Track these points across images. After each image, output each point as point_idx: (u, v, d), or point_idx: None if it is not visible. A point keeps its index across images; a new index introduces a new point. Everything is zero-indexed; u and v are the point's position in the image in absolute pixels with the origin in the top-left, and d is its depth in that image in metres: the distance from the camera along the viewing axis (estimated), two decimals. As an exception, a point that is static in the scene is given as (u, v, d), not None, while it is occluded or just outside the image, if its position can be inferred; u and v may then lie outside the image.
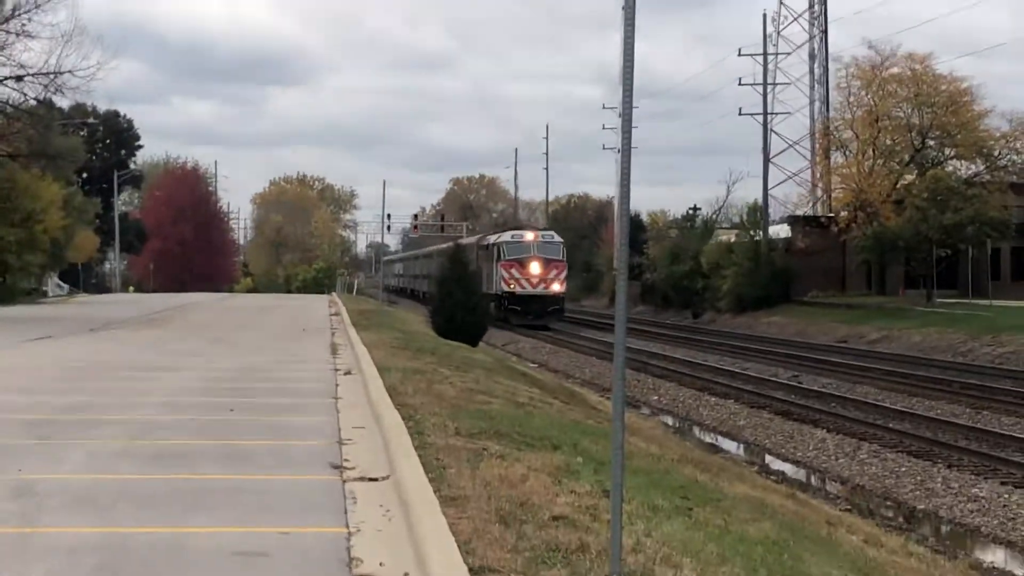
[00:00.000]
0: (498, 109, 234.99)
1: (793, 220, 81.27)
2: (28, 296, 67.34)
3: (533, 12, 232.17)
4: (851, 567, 12.12)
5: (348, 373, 22.31)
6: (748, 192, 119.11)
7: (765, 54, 79.23)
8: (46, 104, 53.52)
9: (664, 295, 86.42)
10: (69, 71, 47.17)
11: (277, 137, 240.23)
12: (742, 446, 29.59)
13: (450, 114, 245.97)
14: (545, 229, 77.31)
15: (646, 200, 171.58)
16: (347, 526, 9.89)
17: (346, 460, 12.86)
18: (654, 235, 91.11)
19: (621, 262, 11.15)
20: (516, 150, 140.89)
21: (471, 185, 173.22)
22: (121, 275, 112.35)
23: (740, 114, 79.84)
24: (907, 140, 69.58)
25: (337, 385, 20.41)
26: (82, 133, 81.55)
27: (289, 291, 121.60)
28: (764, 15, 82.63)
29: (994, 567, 18.12)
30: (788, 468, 26.26)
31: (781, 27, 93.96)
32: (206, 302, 65.12)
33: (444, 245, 78.65)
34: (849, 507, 21.53)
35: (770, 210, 79.51)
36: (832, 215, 74.38)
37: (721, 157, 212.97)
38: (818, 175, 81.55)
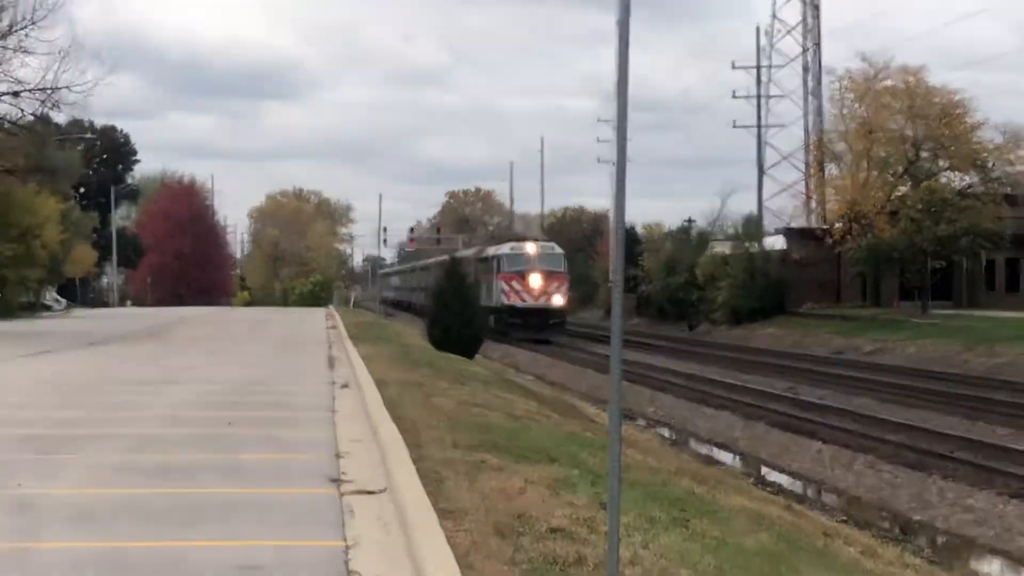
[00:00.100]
0: (493, 123, 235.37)
1: (788, 232, 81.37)
2: (26, 311, 67.35)
3: (527, 26, 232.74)
4: (846, 578, 12.18)
5: (345, 386, 22.37)
6: (743, 204, 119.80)
7: (759, 67, 79.58)
8: (43, 119, 53.62)
9: (660, 307, 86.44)
10: (66, 87, 47.28)
11: (274, 151, 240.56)
12: (738, 458, 29.63)
13: (446, 128, 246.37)
14: (546, 241, 76.11)
15: (641, 212, 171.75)
16: (345, 540, 9.95)
17: (344, 473, 12.92)
18: (649, 247, 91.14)
19: (617, 275, 11.20)
20: (511, 163, 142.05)
21: (467, 198, 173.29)
22: (119, 289, 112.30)
23: (734, 126, 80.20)
24: (901, 152, 69.65)
25: (334, 398, 20.47)
26: (79, 148, 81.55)
27: (286, 304, 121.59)
28: (758, 28, 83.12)
29: (989, 577, 18.18)
30: (784, 480, 26.30)
31: (775, 40, 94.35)
32: (203, 316, 65.16)
33: (441, 258, 78.56)
34: (845, 518, 21.57)
35: (765, 222, 79.75)
36: (827, 227, 74.46)
37: (716, 169, 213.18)
38: (812, 187, 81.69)
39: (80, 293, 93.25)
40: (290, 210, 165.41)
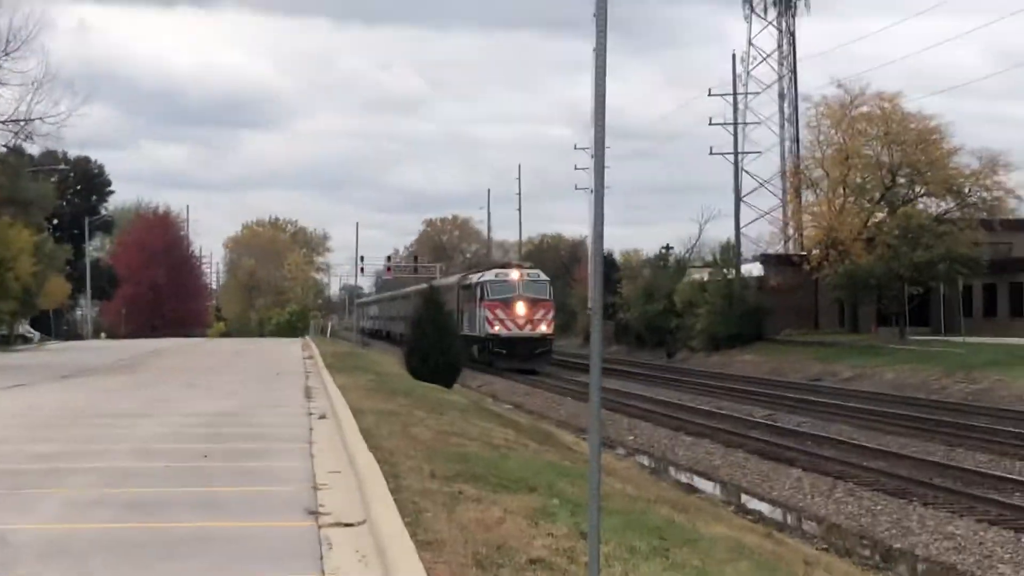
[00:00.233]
0: (470, 150, 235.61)
1: (765, 258, 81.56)
2: (1, 343, 66.94)
3: (503, 55, 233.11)
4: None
5: (323, 417, 22.21)
6: (720, 231, 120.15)
7: (735, 94, 79.75)
8: (16, 151, 53.40)
9: (638, 334, 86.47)
10: (39, 118, 47.04)
11: (249, 180, 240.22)
12: (718, 486, 29.52)
13: (422, 155, 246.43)
14: (531, 267, 73.87)
15: (619, 239, 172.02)
16: (323, 572, 9.82)
17: (321, 505, 12.78)
18: (627, 274, 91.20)
19: (596, 303, 11.12)
20: (489, 191, 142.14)
21: (444, 226, 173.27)
22: (92, 321, 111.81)
23: (711, 153, 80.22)
24: (877, 178, 69.95)
25: (311, 429, 20.31)
26: (53, 179, 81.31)
27: (262, 335, 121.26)
28: (734, 55, 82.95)
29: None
30: (764, 507, 26.20)
31: (751, 67, 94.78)
32: (178, 347, 64.86)
33: (419, 286, 78.05)
34: (826, 546, 21.47)
35: (742, 248, 79.82)
36: (804, 253, 74.67)
37: (693, 196, 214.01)
38: (789, 213, 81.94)
39: (53, 325, 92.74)
40: (266, 239, 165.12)
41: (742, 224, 79.77)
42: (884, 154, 69.64)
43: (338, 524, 11.73)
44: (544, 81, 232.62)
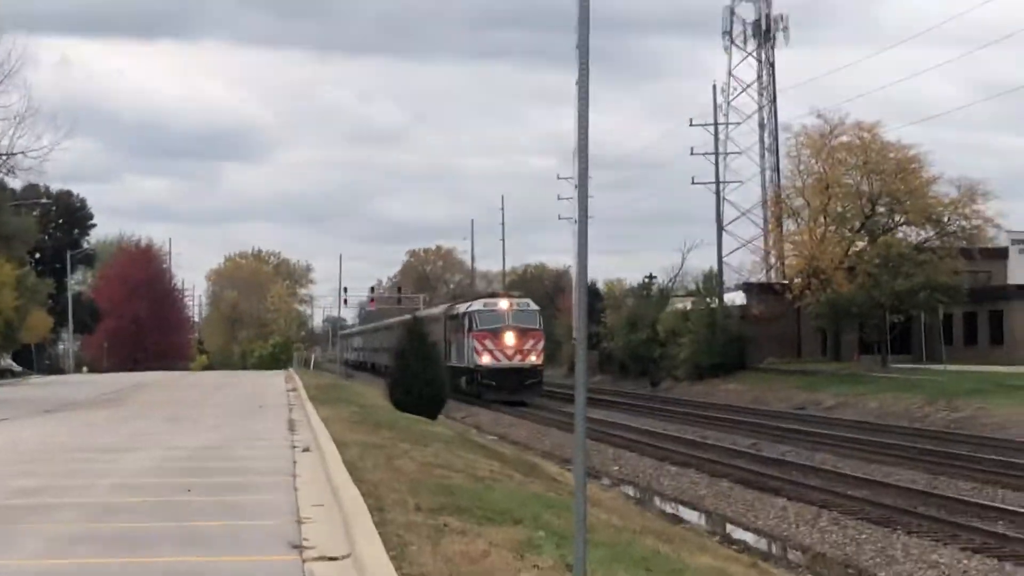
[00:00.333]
0: (453, 181, 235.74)
1: (748, 287, 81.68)
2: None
3: (485, 86, 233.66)
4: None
5: (306, 450, 22.16)
6: (703, 260, 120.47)
7: (716, 124, 79.98)
8: (-2, 185, 53.30)
9: (622, 364, 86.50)
10: (21, 152, 47.02)
11: (232, 212, 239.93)
12: (703, 515, 29.52)
13: (405, 187, 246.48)
14: (520, 296, 72.25)
15: (602, 269, 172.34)
16: (308, 607, 9.79)
17: (305, 539, 12.75)
18: (611, 304, 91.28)
19: (580, 333, 11.14)
20: (472, 221, 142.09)
21: (427, 257, 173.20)
22: (75, 355, 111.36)
23: (693, 183, 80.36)
24: (857, 207, 70.19)
25: (295, 462, 20.26)
26: (35, 213, 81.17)
27: (245, 367, 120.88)
28: (714, 86, 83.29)
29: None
30: (750, 537, 26.19)
31: (731, 98, 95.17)
32: (161, 381, 64.64)
33: (403, 317, 77.78)
34: None
35: (725, 277, 79.98)
36: (786, 282, 74.78)
37: (676, 225, 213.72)
38: (771, 242, 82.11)
39: (35, 359, 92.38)
40: (249, 272, 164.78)
41: (724, 253, 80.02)
42: (864, 183, 69.90)
43: (322, 558, 11.70)
44: (527, 112, 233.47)
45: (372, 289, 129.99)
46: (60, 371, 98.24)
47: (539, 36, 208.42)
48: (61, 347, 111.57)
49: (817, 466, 33.68)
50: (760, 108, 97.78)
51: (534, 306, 67.29)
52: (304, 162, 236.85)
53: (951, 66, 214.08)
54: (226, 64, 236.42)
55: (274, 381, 62.07)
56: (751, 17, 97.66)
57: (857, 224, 70.36)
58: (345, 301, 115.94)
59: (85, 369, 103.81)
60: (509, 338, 63.79)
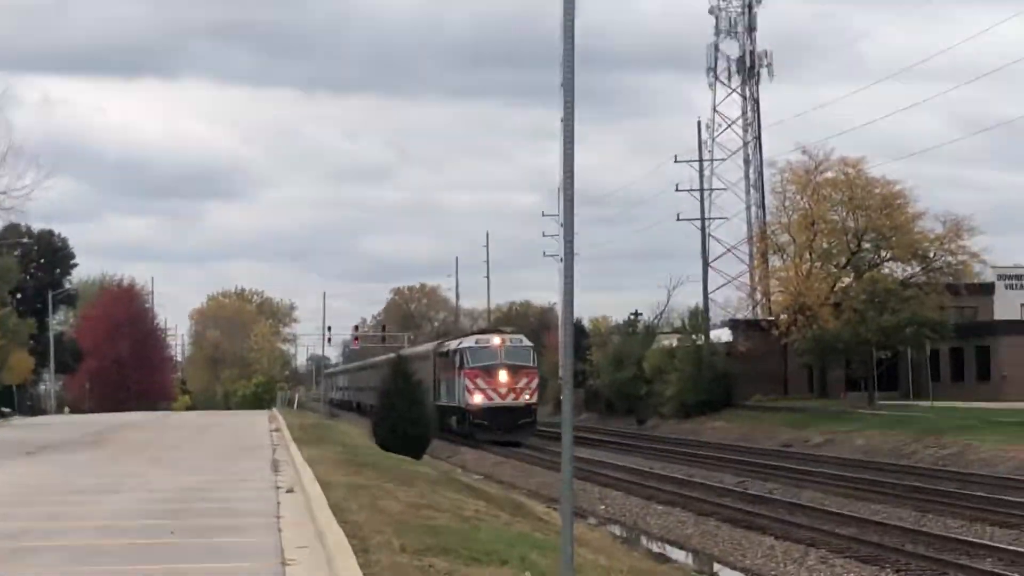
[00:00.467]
0: (437, 218, 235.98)
1: (734, 324, 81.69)
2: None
3: (469, 123, 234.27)
4: None
5: (290, 491, 21.95)
6: (689, 296, 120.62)
7: (701, 160, 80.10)
8: (-21, 226, 53.13)
9: (608, 401, 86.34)
10: (3, 192, 46.91)
11: (215, 251, 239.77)
12: (690, 555, 29.35)
13: (390, 224, 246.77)
14: (513, 332, 70.12)
15: (588, 306, 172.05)
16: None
17: (290, 582, 12.57)
18: (596, 341, 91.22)
19: (567, 371, 11.04)
20: (457, 259, 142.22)
21: (412, 295, 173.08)
22: (56, 396, 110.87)
23: (678, 219, 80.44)
24: (843, 243, 70.34)
25: (279, 503, 20.07)
26: (16, 253, 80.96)
27: (228, 407, 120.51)
28: (699, 123, 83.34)
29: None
30: (737, 576, 26.04)
31: (716, 134, 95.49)
32: (143, 421, 64.27)
33: (388, 356, 77.30)
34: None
35: (711, 314, 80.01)
36: (772, 318, 74.83)
37: (661, 262, 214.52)
38: (757, 279, 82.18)
39: (17, 400, 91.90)
40: (232, 311, 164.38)
41: (710, 290, 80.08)
42: (849, 219, 70.09)
43: (307, 601, 11.52)
44: (512, 149, 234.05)
45: (356, 327, 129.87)
46: (42, 412, 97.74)
47: (524, 73, 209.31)
48: (43, 388, 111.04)
49: (804, 504, 33.54)
50: (745, 144, 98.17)
51: (528, 342, 65.69)
52: (288, 200, 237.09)
53: (935, 102, 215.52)
54: (210, 102, 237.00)
55: (257, 421, 61.74)
56: (735, 54, 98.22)
57: (843, 260, 70.50)
58: (329, 340, 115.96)
59: (67, 410, 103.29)
60: (502, 376, 61.83)
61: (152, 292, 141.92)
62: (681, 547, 30.31)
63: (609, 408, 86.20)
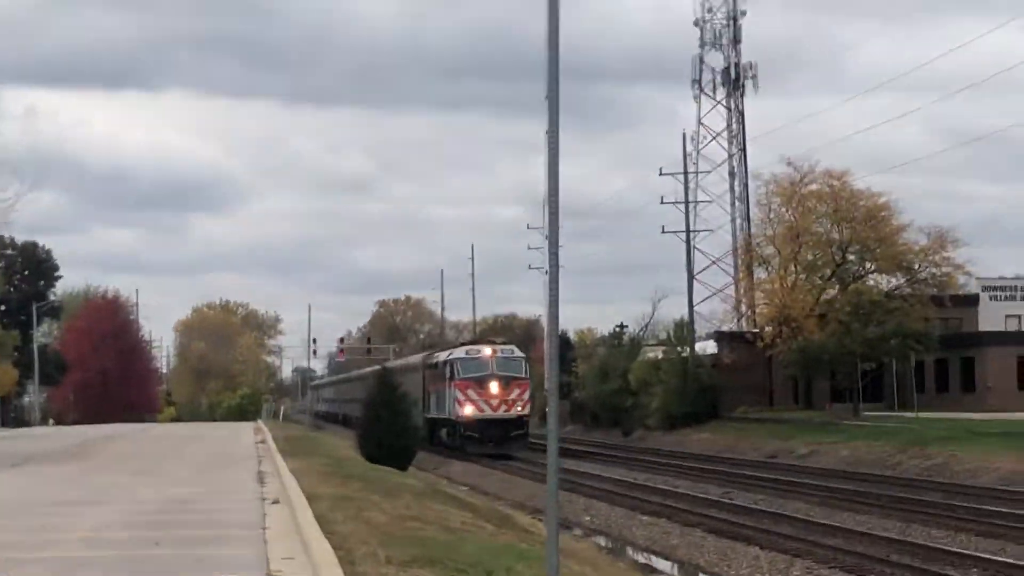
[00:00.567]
0: (422, 231, 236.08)
1: (719, 336, 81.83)
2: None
3: (453, 135, 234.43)
4: None
5: (276, 502, 21.93)
6: (674, 309, 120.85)
7: (686, 173, 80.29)
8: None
9: (594, 413, 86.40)
10: (-14, 204, 46.77)
11: (200, 263, 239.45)
12: (676, 565, 29.36)
13: (375, 237, 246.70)
14: (504, 342, 68.95)
15: (573, 318, 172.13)
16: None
17: (275, 593, 12.57)
18: (582, 353, 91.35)
19: (552, 382, 11.07)
20: (442, 271, 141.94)
21: (397, 307, 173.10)
22: (41, 408, 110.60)
23: (663, 232, 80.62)
24: (828, 255, 70.51)
25: (265, 515, 20.04)
26: (0, 265, 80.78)
27: (213, 419, 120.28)
28: (684, 135, 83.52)
29: None
30: (723, 587, 26.04)
31: (701, 146, 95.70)
32: (128, 433, 64.13)
33: (374, 368, 77.04)
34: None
35: (696, 326, 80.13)
36: (757, 330, 74.98)
37: (646, 274, 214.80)
38: (742, 291, 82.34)
39: (1, 412, 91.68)
40: (217, 323, 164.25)
41: (695, 302, 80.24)
42: (834, 231, 70.26)
43: (292, 612, 11.52)
44: (496, 161, 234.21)
45: (341, 340, 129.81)
46: (26, 424, 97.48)
47: (508, 86, 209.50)
48: (27, 400, 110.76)
49: (790, 514, 33.60)
50: (730, 156, 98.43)
51: (519, 353, 64.50)
52: (272, 212, 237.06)
53: (919, 114, 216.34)
54: (194, 114, 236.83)
55: (242, 433, 61.64)
56: (720, 66, 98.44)
57: (828, 272, 70.67)
58: (314, 352, 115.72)
59: (51, 422, 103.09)
60: (494, 387, 60.76)
61: (137, 304, 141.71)
62: (667, 558, 30.31)
63: (594, 420, 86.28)
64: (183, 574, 14.05)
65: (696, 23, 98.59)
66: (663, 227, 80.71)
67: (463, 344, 70.13)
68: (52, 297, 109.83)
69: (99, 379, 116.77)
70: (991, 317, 75.64)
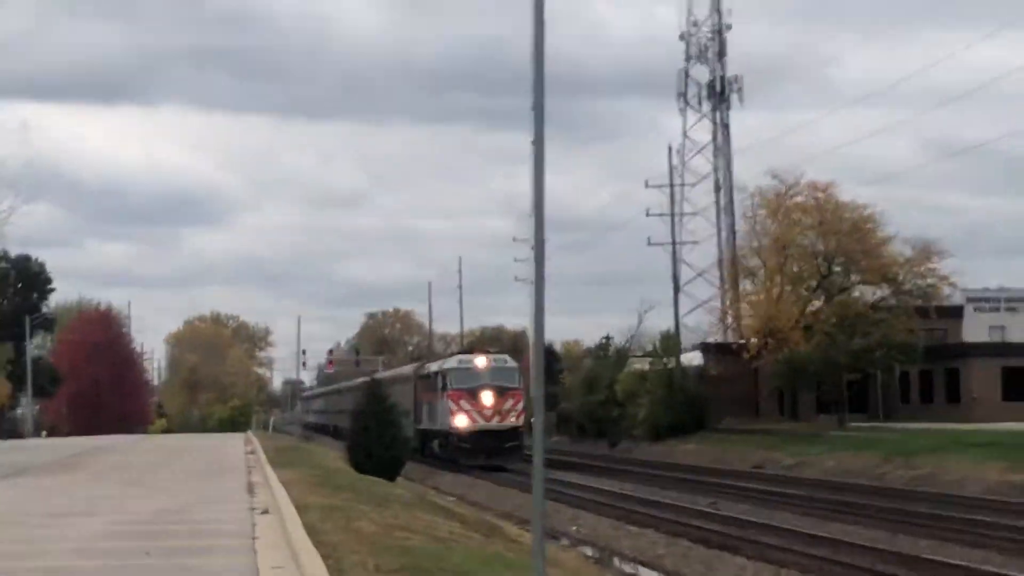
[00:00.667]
0: (410, 243, 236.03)
1: (705, 348, 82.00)
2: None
3: (441, 148, 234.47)
4: None
5: (266, 512, 22.10)
6: (660, 320, 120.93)
7: (671, 185, 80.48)
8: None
9: (580, 424, 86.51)
10: (-20, 218, 46.85)
11: (191, 276, 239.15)
12: None
13: (364, 249, 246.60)
14: (498, 352, 67.81)
15: (560, 330, 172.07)
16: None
17: (266, 601, 12.75)
18: (569, 365, 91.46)
19: (538, 392, 11.29)
20: (430, 284, 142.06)
21: (385, 319, 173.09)
22: (34, 419, 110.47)
23: (649, 244, 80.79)
24: (813, 267, 70.76)
25: (255, 525, 20.21)
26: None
27: (205, 431, 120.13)
28: (669, 147, 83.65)
29: None
30: (709, 596, 26.21)
31: (686, 159, 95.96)
32: (120, 445, 64.14)
33: (364, 379, 76.94)
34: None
35: (682, 338, 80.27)
36: (743, 342, 75.17)
37: (632, 286, 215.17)
38: (727, 303, 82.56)
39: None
40: (208, 335, 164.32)
41: (681, 314, 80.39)
42: (819, 243, 70.53)
43: (283, 619, 11.72)
44: (482, 173, 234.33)
45: (331, 351, 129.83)
46: (19, 436, 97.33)
47: (495, 98, 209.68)
48: (20, 412, 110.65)
49: (776, 525, 33.77)
50: (715, 169, 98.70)
51: (513, 363, 63.06)
52: (264, 226, 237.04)
53: (905, 127, 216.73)
54: (187, 129, 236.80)
55: (233, 444, 61.67)
56: (705, 79, 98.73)
57: (813, 284, 70.93)
58: (304, 364, 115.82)
59: (44, 433, 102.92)
60: (487, 398, 59.97)
61: (129, 316, 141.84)
62: (653, 568, 30.44)
63: (581, 431, 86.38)
64: (175, 583, 14.23)
65: (682, 37, 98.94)
66: (649, 239, 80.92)
67: (456, 354, 69.57)
68: (45, 310, 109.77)
69: (92, 391, 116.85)
70: (975, 328, 75.98)
